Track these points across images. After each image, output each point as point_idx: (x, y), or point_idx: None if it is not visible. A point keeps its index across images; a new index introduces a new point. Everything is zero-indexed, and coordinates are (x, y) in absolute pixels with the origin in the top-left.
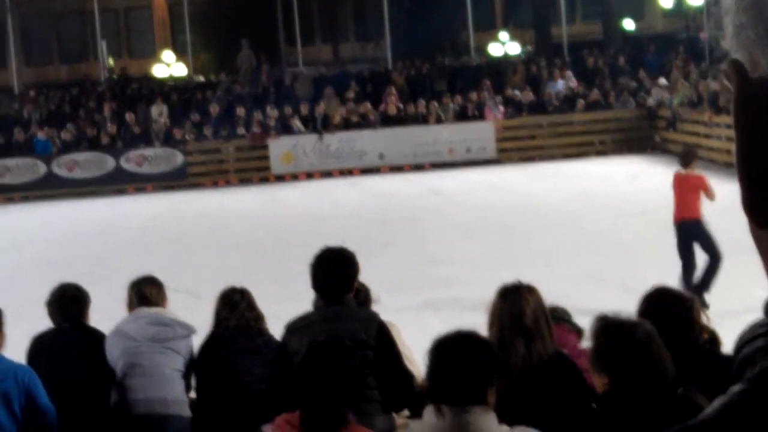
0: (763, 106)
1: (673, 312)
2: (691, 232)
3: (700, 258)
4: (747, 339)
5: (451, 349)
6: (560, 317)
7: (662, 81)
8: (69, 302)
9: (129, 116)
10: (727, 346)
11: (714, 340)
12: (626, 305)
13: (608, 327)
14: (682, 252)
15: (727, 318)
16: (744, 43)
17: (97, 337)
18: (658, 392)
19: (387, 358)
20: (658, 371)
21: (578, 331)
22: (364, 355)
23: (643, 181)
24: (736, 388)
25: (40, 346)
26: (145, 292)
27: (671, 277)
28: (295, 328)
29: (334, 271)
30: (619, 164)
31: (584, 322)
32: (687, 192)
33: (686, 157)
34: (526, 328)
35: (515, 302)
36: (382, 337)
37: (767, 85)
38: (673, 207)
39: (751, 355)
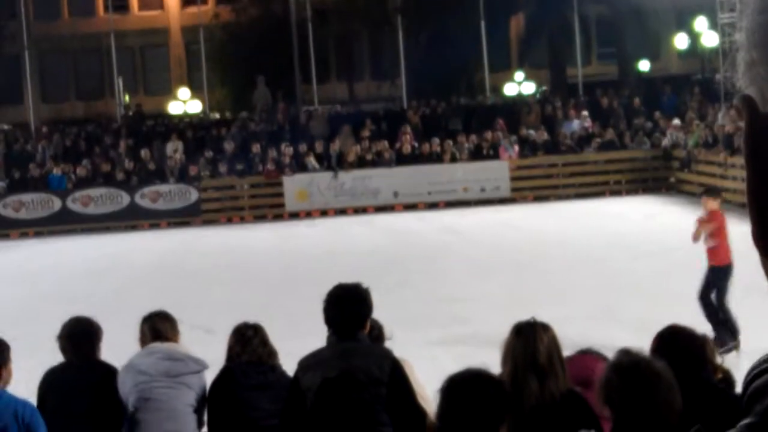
0: None
1: (685, 350)
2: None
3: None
4: (756, 373)
5: (462, 387)
6: (587, 349)
7: (677, 122)
8: (80, 337)
9: (144, 153)
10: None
11: (728, 379)
12: (641, 344)
13: (620, 361)
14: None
15: (744, 359)
16: (755, 79)
17: (109, 371)
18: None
19: (400, 394)
20: (660, 410)
21: (606, 360)
22: (377, 391)
23: (659, 221)
24: (745, 421)
25: (50, 381)
26: (158, 327)
27: (687, 316)
28: (308, 364)
29: (348, 307)
30: (634, 204)
31: None
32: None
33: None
34: (539, 365)
35: (529, 340)
36: (396, 374)
37: None
38: (723, 248)
39: (760, 388)
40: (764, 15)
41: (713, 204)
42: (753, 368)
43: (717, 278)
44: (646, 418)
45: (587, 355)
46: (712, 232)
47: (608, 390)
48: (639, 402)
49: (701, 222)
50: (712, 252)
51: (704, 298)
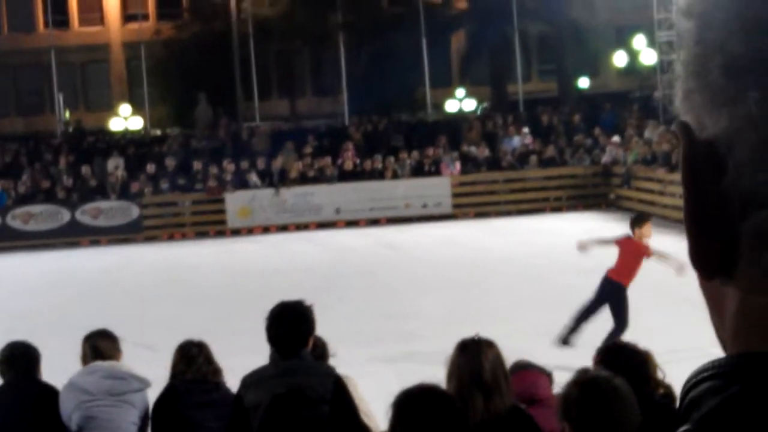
0: (708, 165)
1: (628, 366)
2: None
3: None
4: (693, 383)
5: (415, 403)
6: (527, 364)
7: (616, 139)
8: (18, 360)
9: (85, 169)
10: None
11: (669, 395)
12: (583, 360)
13: (580, 378)
14: (598, 305)
15: (682, 375)
16: (692, 107)
17: (49, 391)
18: None
19: (344, 412)
20: (620, 425)
21: (548, 375)
22: (320, 409)
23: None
24: (683, 429)
25: None
26: (100, 345)
27: (628, 332)
28: (251, 381)
29: (290, 325)
30: (574, 220)
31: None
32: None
33: (638, 220)
34: (484, 382)
35: (474, 357)
36: (339, 392)
37: (713, 147)
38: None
39: (696, 398)
40: (699, 46)
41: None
42: (690, 379)
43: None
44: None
45: (529, 370)
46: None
47: (568, 405)
48: (599, 417)
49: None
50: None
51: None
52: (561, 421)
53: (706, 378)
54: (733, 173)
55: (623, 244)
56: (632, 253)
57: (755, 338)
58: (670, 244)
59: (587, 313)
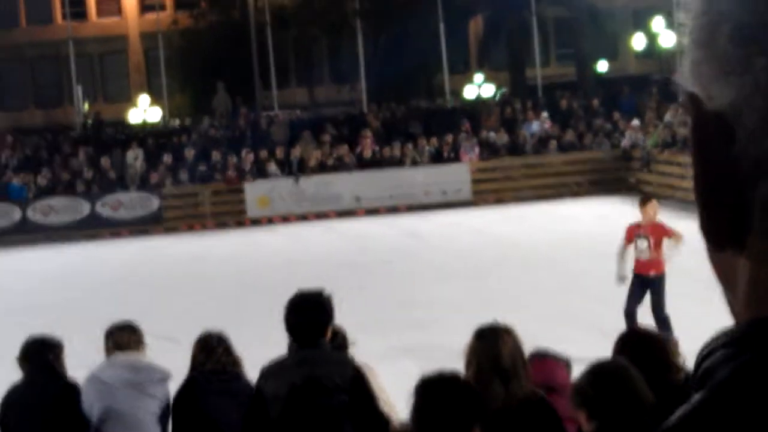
0: (717, 135)
1: (648, 352)
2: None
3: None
4: (706, 353)
5: (435, 389)
6: (545, 352)
7: (636, 122)
8: (39, 355)
9: (104, 161)
10: None
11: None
12: (602, 346)
13: (596, 366)
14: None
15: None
16: (699, 77)
17: (70, 385)
18: (637, 424)
19: (362, 401)
20: (636, 407)
21: (567, 363)
22: (339, 399)
23: (619, 222)
24: (697, 396)
25: (11, 399)
26: (121, 338)
27: (645, 318)
28: (269, 372)
29: (308, 315)
30: (594, 205)
31: None
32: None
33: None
34: (503, 368)
35: (492, 343)
36: (357, 381)
37: (721, 117)
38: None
39: (710, 368)
40: (706, 16)
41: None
42: (703, 349)
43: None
44: (624, 416)
45: (547, 359)
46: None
47: (579, 392)
48: (611, 400)
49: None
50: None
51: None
52: (576, 409)
53: (719, 347)
54: (742, 142)
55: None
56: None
57: (767, 306)
58: (692, 227)
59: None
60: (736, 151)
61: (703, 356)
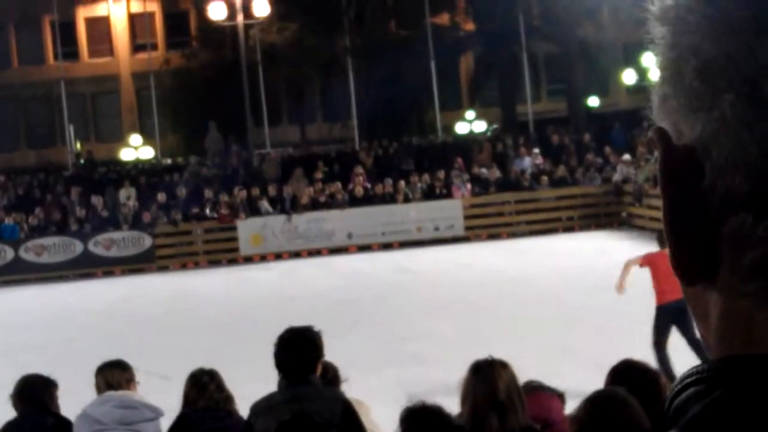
0: (685, 171)
1: (640, 385)
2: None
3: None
4: (678, 389)
5: (422, 419)
6: (538, 385)
7: (627, 157)
8: (29, 394)
9: (96, 200)
10: None
11: None
12: (597, 380)
13: (589, 396)
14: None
15: None
16: (668, 112)
17: (62, 422)
18: None
19: None
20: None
21: (560, 396)
22: None
23: (612, 257)
24: None
25: None
26: (112, 375)
27: (639, 352)
28: (259, 408)
29: (298, 351)
30: (586, 240)
31: None
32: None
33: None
34: (499, 402)
35: (489, 377)
36: (347, 417)
37: (690, 153)
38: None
39: (681, 405)
40: (674, 51)
41: None
42: (675, 385)
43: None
44: None
45: (540, 392)
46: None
47: (580, 422)
48: (613, 429)
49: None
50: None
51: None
52: None
53: (690, 384)
54: (711, 177)
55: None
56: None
57: (738, 341)
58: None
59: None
60: (705, 187)
61: (675, 393)
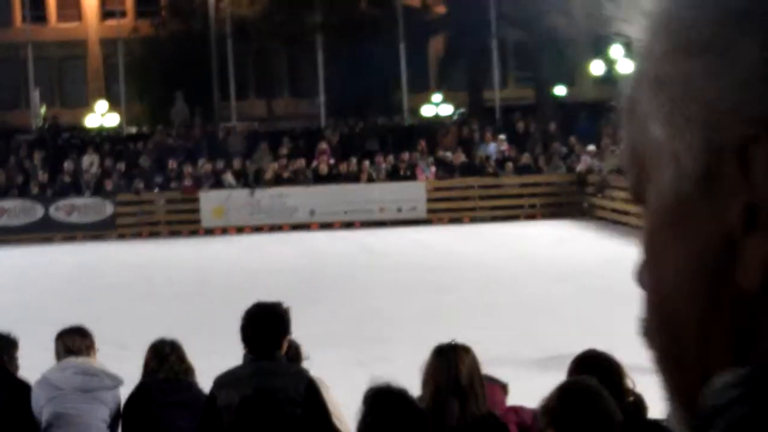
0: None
1: (602, 375)
2: None
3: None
4: (716, 390)
5: (386, 400)
6: (485, 375)
7: (592, 147)
8: None
9: (59, 165)
10: (653, 410)
11: (639, 404)
12: (555, 366)
13: (560, 385)
14: None
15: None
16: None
17: (22, 386)
18: None
19: (315, 415)
20: (604, 421)
21: (503, 387)
22: (292, 411)
23: (572, 246)
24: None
25: None
26: (72, 342)
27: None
28: (224, 382)
29: (265, 326)
30: (548, 228)
31: (515, 383)
32: None
33: None
34: (461, 387)
35: (451, 362)
36: (311, 394)
37: None
38: None
39: (721, 406)
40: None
41: None
42: (711, 386)
43: None
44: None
45: (488, 383)
46: None
47: (551, 411)
48: (582, 417)
49: None
50: None
51: None
52: (544, 428)
53: (727, 386)
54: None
55: None
56: None
57: None
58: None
59: None
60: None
61: (712, 393)
